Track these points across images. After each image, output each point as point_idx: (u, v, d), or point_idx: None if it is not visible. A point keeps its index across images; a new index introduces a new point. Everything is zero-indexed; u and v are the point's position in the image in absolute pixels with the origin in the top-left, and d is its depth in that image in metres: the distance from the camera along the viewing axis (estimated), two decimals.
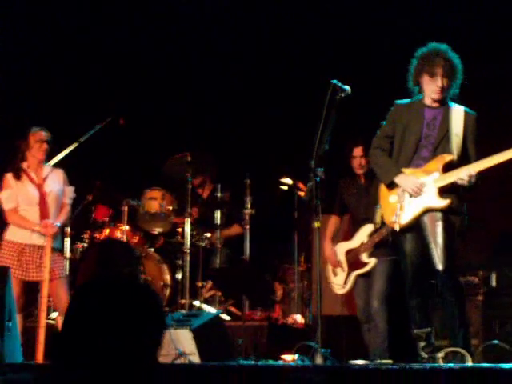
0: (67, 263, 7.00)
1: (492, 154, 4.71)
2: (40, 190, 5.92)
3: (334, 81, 4.99)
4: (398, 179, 4.89)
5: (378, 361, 5.29)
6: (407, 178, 4.86)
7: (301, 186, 6.89)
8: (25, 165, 5.97)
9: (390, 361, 5.24)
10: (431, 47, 4.89)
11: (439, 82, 4.82)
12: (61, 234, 6.13)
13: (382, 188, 5.06)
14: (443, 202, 4.78)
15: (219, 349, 5.49)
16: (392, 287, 5.73)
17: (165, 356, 5.10)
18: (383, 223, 5.15)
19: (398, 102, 5.06)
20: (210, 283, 7.09)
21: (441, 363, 4.58)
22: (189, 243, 6.90)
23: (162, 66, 8.60)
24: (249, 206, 7.08)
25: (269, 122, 8.18)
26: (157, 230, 7.48)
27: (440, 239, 4.71)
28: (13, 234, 5.87)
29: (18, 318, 5.32)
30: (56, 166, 6.26)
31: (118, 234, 7.32)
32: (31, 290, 6.06)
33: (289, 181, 7.08)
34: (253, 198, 7.11)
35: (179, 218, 7.27)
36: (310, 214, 5.07)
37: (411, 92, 5.03)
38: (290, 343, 5.84)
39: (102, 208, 7.56)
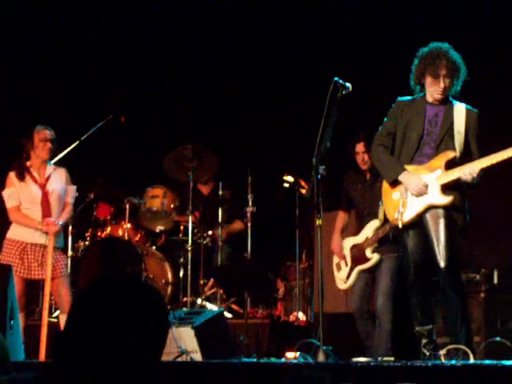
0: (69, 261, 7.00)
1: (495, 151, 4.71)
2: (43, 189, 5.92)
3: (336, 78, 4.99)
4: (401, 177, 4.89)
5: (380, 358, 5.30)
6: (411, 176, 4.85)
7: (302, 183, 6.89)
8: (28, 164, 5.97)
9: (391, 358, 5.25)
10: (433, 47, 4.88)
11: (442, 83, 4.82)
12: (63, 232, 6.13)
13: (385, 185, 5.06)
14: (446, 199, 4.78)
15: (221, 346, 5.50)
16: (397, 284, 5.71)
17: (167, 354, 5.11)
18: (386, 220, 5.15)
19: (400, 99, 5.06)
20: (211, 281, 7.09)
21: (443, 360, 4.58)
22: (190, 241, 6.91)
23: (163, 64, 8.59)
24: (250, 203, 7.09)
25: (270, 120, 8.18)
26: (158, 228, 7.48)
27: (442, 236, 4.71)
28: (15, 232, 5.87)
29: (20, 317, 5.33)
30: (57, 164, 6.26)
31: (120, 232, 7.33)
32: (33, 288, 6.07)
33: (290, 178, 7.08)
34: (254, 195, 7.11)
35: (181, 216, 7.27)
36: (312, 211, 5.07)
37: (413, 90, 5.03)
38: (292, 341, 5.84)
39: (103, 206, 7.56)
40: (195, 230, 7.15)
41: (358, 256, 5.95)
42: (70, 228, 7.20)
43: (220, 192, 7.24)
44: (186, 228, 7.06)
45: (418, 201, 4.85)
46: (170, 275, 7.28)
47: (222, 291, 6.98)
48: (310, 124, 5.20)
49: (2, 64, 8.20)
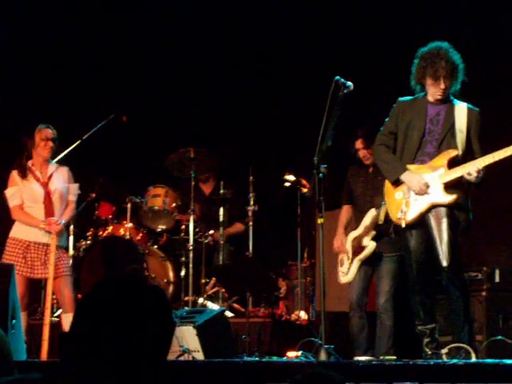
0: (70, 261, 7.00)
1: (497, 149, 4.70)
2: (45, 188, 5.92)
3: (337, 77, 4.99)
4: (403, 177, 4.89)
5: (382, 357, 5.30)
6: (413, 176, 4.85)
7: (304, 182, 6.89)
8: (30, 162, 5.97)
9: (393, 357, 5.25)
10: (432, 47, 4.87)
11: (442, 85, 4.82)
12: (66, 231, 6.13)
13: (388, 185, 5.05)
14: (449, 198, 4.77)
15: (223, 345, 5.50)
16: (398, 284, 5.70)
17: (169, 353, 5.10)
18: (386, 220, 5.15)
19: (401, 99, 5.06)
20: (213, 280, 7.09)
21: (445, 359, 4.58)
22: (192, 240, 6.91)
23: (164, 64, 8.59)
24: (252, 202, 7.09)
25: (271, 119, 8.17)
26: (160, 227, 7.48)
27: (445, 236, 4.71)
28: (18, 231, 5.87)
29: (22, 316, 5.31)
30: (59, 163, 6.26)
31: (122, 232, 7.32)
32: (35, 287, 6.06)
33: (292, 177, 7.08)
34: (256, 194, 7.11)
35: (182, 215, 7.27)
36: (314, 210, 5.07)
37: (413, 90, 5.03)
38: (294, 339, 5.85)
39: (105, 205, 7.55)
40: (197, 229, 7.15)
41: (357, 247, 5.92)
42: (72, 227, 7.20)
43: (221, 191, 7.24)
44: (188, 227, 7.06)
45: (421, 200, 4.84)
46: (171, 274, 7.28)
47: (223, 290, 6.98)
48: (311, 123, 5.20)
49: (4, 64, 8.20)
